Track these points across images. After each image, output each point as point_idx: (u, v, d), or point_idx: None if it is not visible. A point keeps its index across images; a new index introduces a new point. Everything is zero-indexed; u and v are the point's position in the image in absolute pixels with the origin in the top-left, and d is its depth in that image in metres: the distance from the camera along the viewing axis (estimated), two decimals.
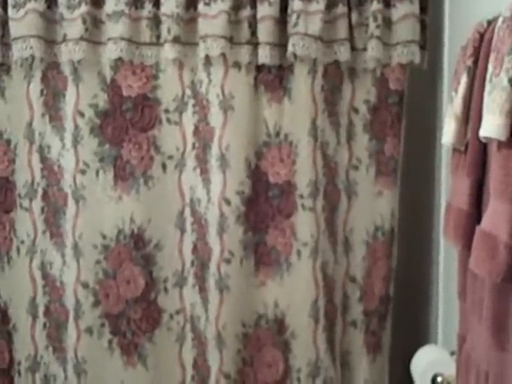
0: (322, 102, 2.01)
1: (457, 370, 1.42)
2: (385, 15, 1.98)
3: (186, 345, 2.06)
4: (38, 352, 2.10)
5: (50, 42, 1.99)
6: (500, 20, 1.11)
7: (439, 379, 1.60)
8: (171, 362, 2.06)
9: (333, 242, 2.07)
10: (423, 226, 2.18)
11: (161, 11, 1.97)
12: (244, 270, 2.01)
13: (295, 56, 1.96)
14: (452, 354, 1.62)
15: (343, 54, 1.99)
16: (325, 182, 2.04)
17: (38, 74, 2.03)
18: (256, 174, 2.00)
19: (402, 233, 2.12)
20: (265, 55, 1.95)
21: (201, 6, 1.95)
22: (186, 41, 1.97)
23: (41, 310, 2.09)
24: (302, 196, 2.00)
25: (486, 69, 1.15)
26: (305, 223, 2.01)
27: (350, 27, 2.00)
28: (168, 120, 2.03)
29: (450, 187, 1.47)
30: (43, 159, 2.06)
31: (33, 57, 1.99)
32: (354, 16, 1.99)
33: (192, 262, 2.04)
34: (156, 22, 1.98)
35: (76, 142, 2.00)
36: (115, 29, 1.96)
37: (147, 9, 1.98)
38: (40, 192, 2.07)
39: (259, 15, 1.95)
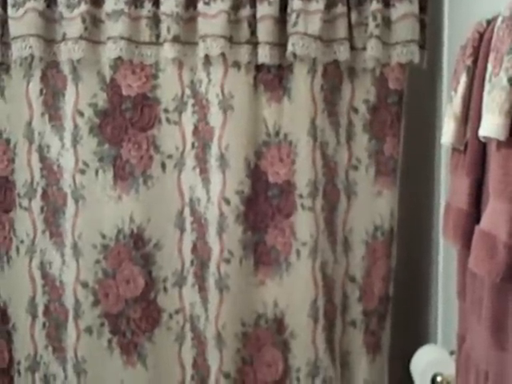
0: (322, 102, 2.01)
1: (456, 370, 1.42)
2: (384, 15, 1.98)
3: (185, 344, 2.06)
4: (38, 351, 2.10)
5: (49, 41, 1.99)
6: (499, 20, 1.11)
7: (439, 379, 1.60)
8: (171, 362, 2.06)
9: (332, 241, 2.07)
10: (423, 225, 2.18)
11: (160, 10, 1.97)
12: (243, 269, 2.01)
13: (295, 55, 1.96)
14: (451, 353, 1.62)
15: (343, 53, 1.99)
16: (324, 181, 2.04)
17: (37, 73, 2.03)
18: (255, 174, 2.00)
19: (402, 233, 2.12)
20: (264, 55, 1.95)
21: (200, 6, 1.95)
22: (186, 40, 1.97)
23: (40, 309, 2.09)
24: (301, 196, 2.00)
25: (485, 68, 1.15)
26: (304, 223, 2.01)
27: (350, 27, 2.00)
28: (167, 119, 2.03)
29: (449, 187, 1.47)
30: (43, 159, 2.06)
31: (32, 56, 1.99)
32: (354, 15, 1.99)
33: (191, 262, 2.04)
34: (156, 21, 1.98)
35: (75, 141, 2.00)
36: (115, 28, 1.96)
37: (147, 8, 1.98)
38: (39, 191, 2.07)
39: (259, 15, 1.95)
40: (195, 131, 2.02)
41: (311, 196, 2.00)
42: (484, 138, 1.12)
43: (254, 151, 2.00)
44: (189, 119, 2.02)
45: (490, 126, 1.08)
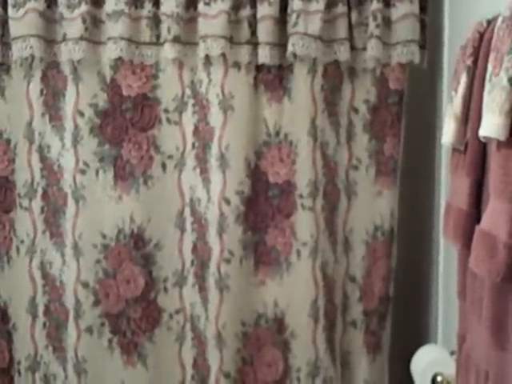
0: (322, 102, 2.01)
1: (457, 370, 1.42)
2: (384, 15, 1.98)
3: (185, 344, 2.06)
4: (38, 351, 2.10)
5: (49, 41, 1.99)
6: (500, 20, 1.11)
7: (439, 379, 1.60)
8: (171, 362, 2.07)
9: (332, 241, 2.07)
10: (423, 225, 2.18)
11: (161, 11, 1.97)
12: (244, 269, 2.01)
13: (295, 56, 1.96)
14: (452, 353, 1.62)
15: (343, 53, 1.99)
16: (324, 181, 2.04)
17: (37, 74, 2.03)
18: (256, 174, 2.00)
19: (402, 232, 2.12)
20: (265, 55, 1.95)
21: (201, 6, 1.95)
22: (186, 40, 1.97)
23: (40, 309, 2.09)
24: (301, 196, 2.00)
25: (485, 68, 1.15)
26: (304, 223, 2.01)
27: (350, 27, 2.00)
28: (168, 120, 2.03)
29: (449, 187, 1.47)
30: (43, 159, 2.06)
31: (32, 56, 1.99)
32: (354, 15, 1.99)
33: (192, 262, 2.04)
34: (156, 21, 1.98)
35: (76, 141, 2.01)
36: (115, 28, 1.96)
37: (147, 8, 1.98)
38: (40, 192, 2.07)
39: (259, 15, 1.95)
40: (195, 131, 2.02)
41: (311, 196, 2.00)
42: (484, 138, 1.12)
43: (255, 151, 2.00)
44: (189, 119, 2.03)
45: (490, 126, 1.08)
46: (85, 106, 2.00)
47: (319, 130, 2.01)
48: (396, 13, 1.99)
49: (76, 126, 2.00)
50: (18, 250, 2.10)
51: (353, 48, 2.01)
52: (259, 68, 1.99)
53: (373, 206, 2.08)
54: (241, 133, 1.99)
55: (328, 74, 2.02)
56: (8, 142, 2.09)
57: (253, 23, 1.96)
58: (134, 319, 2.05)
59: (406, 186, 2.13)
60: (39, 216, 2.08)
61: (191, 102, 2.02)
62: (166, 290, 2.06)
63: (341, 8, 1.97)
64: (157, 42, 1.99)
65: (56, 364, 2.09)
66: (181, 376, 2.07)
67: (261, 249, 2.03)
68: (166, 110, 2.03)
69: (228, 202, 1.98)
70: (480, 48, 1.27)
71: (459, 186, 1.34)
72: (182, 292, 2.06)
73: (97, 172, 2.01)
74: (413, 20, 1.99)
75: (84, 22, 1.95)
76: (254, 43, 1.96)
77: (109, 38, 1.97)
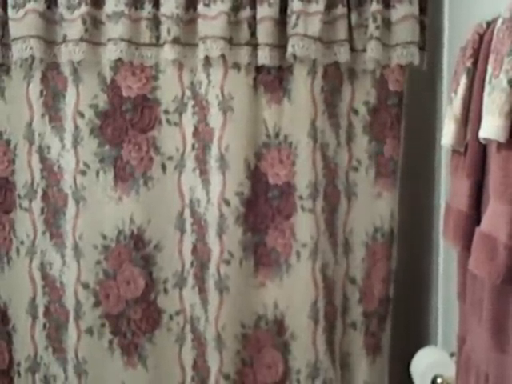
0: (322, 103, 2.01)
1: (457, 372, 1.42)
2: (384, 16, 1.98)
3: (185, 345, 2.06)
4: (38, 352, 2.10)
5: (49, 42, 1.99)
6: (499, 21, 1.11)
7: (439, 380, 1.60)
8: (171, 363, 2.06)
9: (332, 243, 2.06)
10: (423, 227, 2.18)
11: (160, 12, 1.97)
12: (243, 270, 2.01)
13: (295, 57, 1.96)
14: (452, 355, 1.62)
15: (343, 54, 1.99)
16: (324, 183, 2.04)
17: (37, 75, 2.03)
18: (255, 175, 2.00)
19: (402, 234, 2.12)
20: (264, 56, 1.95)
21: (200, 7, 1.95)
22: (186, 42, 1.97)
23: (40, 310, 2.09)
24: (301, 197, 2.00)
25: (485, 70, 1.15)
26: (304, 224, 2.01)
27: (350, 28, 2.00)
28: (168, 121, 2.03)
29: (449, 188, 1.47)
30: (43, 160, 2.06)
31: (32, 57, 1.99)
32: (354, 17, 1.99)
33: (192, 263, 2.04)
34: (156, 22, 1.98)
35: (76, 142, 2.01)
36: (115, 29, 1.96)
37: (147, 9, 1.98)
38: (40, 192, 2.07)
39: (259, 16, 1.95)
40: (195, 132, 2.02)
41: (311, 197, 2.00)
42: (484, 139, 1.13)
43: (254, 152, 2.00)
44: (189, 120, 2.03)
45: (490, 128, 1.08)
46: (85, 106, 2.00)
47: (319, 131, 2.01)
48: (396, 14, 1.99)
49: (76, 127, 2.00)
50: (17, 250, 2.10)
51: (352, 49, 2.01)
52: (259, 69, 1.99)
53: (373, 208, 2.08)
54: (240, 134, 1.99)
55: (328, 75, 2.02)
56: (8, 142, 2.09)
57: (252, 24, 1.96)
58: (134, 320, 2.05)
59: (405, 187, 2.13)
60: (39, 217, 2.08)
61: (191, 103, 2.02)
62: (165, 291, 2.06)
63: (340, 9, 1.97)
64: (156, 43, 1.99)
65: (56, 365, 2.09)
66: (181, 377, 2.07)
67: (260, 250, 2.02)
68: (166, 111, 2.03)
69: (228, 203, 1.98)
70: (480, 50, 1.27)
71: (459, 188, 1.34)
72: (181, 293, 2.06)
73: (97, 173, 2.01)
74: (412, 21, 1.99)
75: (84, 23, 1.95)
76: (253, 44, 1.96)
77: (109, 39, 1.97)
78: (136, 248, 2.03)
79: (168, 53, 1.96)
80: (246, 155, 1.99)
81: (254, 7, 1.95)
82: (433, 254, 2.12)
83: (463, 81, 1.32)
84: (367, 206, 2.07)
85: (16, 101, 2.06)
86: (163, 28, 1.97)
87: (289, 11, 1.96)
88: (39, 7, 1.96)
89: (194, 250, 2.04)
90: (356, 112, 2.06)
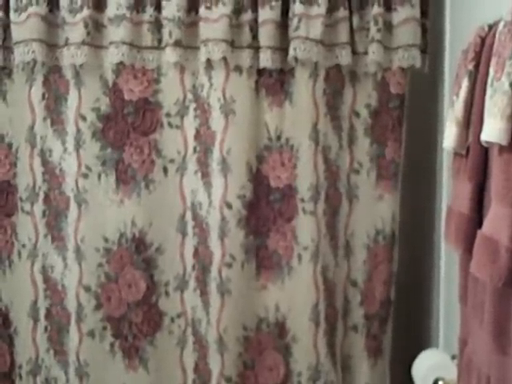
0: (324, 106, 2.01)
1: (458, 374, 1.42)
2: (386, 19, 1.98)
3: (187, 348, 2.06)
4: (39, 355, 2.10)
5: (51, 45, 1.99)
6: (501, 24, 1.11)
7: (440, 383, 1.60)
8: (172, 366, 2.06)
9: (334, 245, 2.07)
10: (424, 229, 2.18)
11: (162, 15, 1.97)
12: (245, 273, 2.01)
13: (296, 60, 1.96)
14: (453, 357, 1.62)
15: (344, 57, 1.99)
16: (326, 185, 2.04)
17: (39, 78, 2.03)
18: (257, 178, 2.00)
19: (403, 237, 2.12)
20: (266, 59, 1.95)
21: (202, 10, 1.96)
22: (188, 45, 1.97)
23: (42, 313, 2.09)
24: (303, 200, 2.00)
25: (487, 73, 1.16)
26: (306, 227, 2.01)
27: (351, 31, 2.00)
28: (169, 124, 2.03)
29: (451, 191, 1.47)
30: (45, 163, 2.06)
31: (35, 60, 1.99)
32: (355, 20, 2.00)
33: (193, 266, 2.04)
34: (157, 25, 1.99)
35: (78, 145, 2.01)
36: (117, 33, 1.96)
37: (148, 13, 1.98)
38: (41, 196, 2.07)
39: (260, 19, 1.95)
40: (197, 135, 2.02)
41: (313, 200, 2.00)
42: (486, 142, 1.13)
43: (256, 155, 2.00)
44: (191, 123, 2.03)
45: (491, 131, 1.08)
46: (87, 110, 2.00)
47: (321, 134, 2.01)
48: (397, 17, 1.99)
49: (78, 130, 2.00)
50: (19, 254, 2.10)
51: (354, 52, 2.01)
52: (260, 72, 1.99)
53: (374, 210, 2.08)
54: (242, 137, 1.99)
55: (329, 78, 2.02)
56: (10, 145, 2.09)
57: (254, 27, 1.96)
58: (135, 323, 2.05)
59: (407, 190, 2.13)
60: (41, 220, 2.08)
61: (193, 106, 2.02)
62: (167, 293, 2.06)
63: (342, 12, 1.97)
64: (158, 46, 1.99)
65: (57, 368, 2.09)
66: (182, 380, 2.07)
67: (262, 253, 2.02)
68: (168, 114, 2.03)
69: (229, 206, 1.98)
70: (481, 52, 1.27)
71: (461, 191, 1.35)
72: (183, 296, 2.06)
73: (99, 176, 2.02)
74: (414, 24, 1.99)
75: (86, 26, 1.95)
76: (255, 47, 1.97)
77: (110, 43, 1.97)
78: (137, 251, 2.03)
79: (170, 56, 1.96)
80: (247, 158, 1.99)
81: (255, 10, 1.95)
82: (434, 257, 2.12)
83: (465, 83, 1.32)
84: (368, 208, 2.07)
85: (18, 104, 2.06)
86: (165, 31, 1.97)
87: (290, 14, 1.96)
88: (41, 11, 1.96)
89: (196, 252, 2.04)
90: (357, 114, 2.06)
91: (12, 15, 1.99)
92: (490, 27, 1.28)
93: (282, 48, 1.97)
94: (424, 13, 2.02)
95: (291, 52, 1.95)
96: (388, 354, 2.13)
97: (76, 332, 2.03)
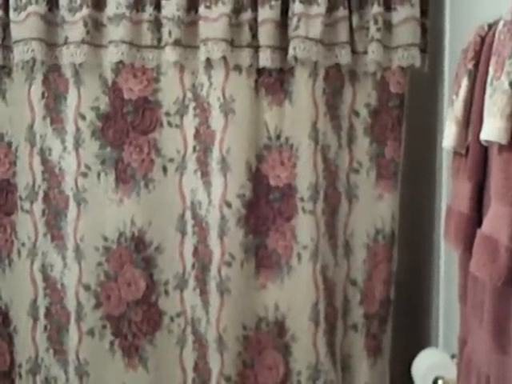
0: (323, 105, 2.01)
1: (458, 374, 1.42)
2: (385, 18, 1.98)
3: (186, 347, 2.06)
4: (39, 354, 2.10)
5: (51, 44, 1.99)
6: (501, 23, 1.12)
7: (440, 382, 1.60)
8: (172, 365, 2.06)
9: (333, 245, 2.07)
10: (424, 229, 2.18)
11: (162, 14, 1.97)
12: (245, 272, 2.01)
13: (296, 59, 1.96)
14: (453, 357, 1.62)
15: (344, 57, 1.99)
16: (325, 185, 2.04)
17: (39, 77, 2.03)
18: (257, 177, 2.00)
19: (403, 236, 2.12)
20: (266, 58, 1.95)
21: (202, 9, 1.96)
22: (187, 44, 1.97)
23: (41, 312, 2.09)
24: (302, 199, 2.00)
25: (486, 72, 1.16)
26: (305, 226, 2.01)
27: (351, 30, 2.00)
28: (169, 123, 2.03)
29: (450, 191, 1.47)
30: (44, 162, 2.06)
31: (34, 59, 1.99)
32: (355, 19, 2.00)
33: (193, 265, 2.04)
34: (157, 24, 1.99)
35: (77, 144, 2.01)
36: (116, 32, 1.96)
37: (148, 12, 1.98)
38: (41, 194, 2.07)
39: (260, 18, 1.95)
40: (196, 135, 2.02)
41: (312, 199, 2.00)
42: (485, 141, 1.13)
43: (256, 155, 2.00)
44: (190, 122, 2.03)
45: (491, 130, 1.08)
46: (86, 109, 2.00)
47: (320, 133, 2.01)
48: (397, 16, 1.99)
49: (78, 129, 2.00)
50: (19, 252, 2.10)
51: (354, 51, 2.01)
52: (260, 71, 1.99)
53: (374, 210, 2.08)
54: (242, 136, 1.99)
55: (329, 77, 2.02)
56: (9, 144, 2.09)
57: (254, 26, 1.96)
58: (135, 322, 2.05)
59: (406, 189, 2.13)
60: (40, 219, 2.08)
61: (192, 105, 2.02)
62: (166, 293, 2.06)
63: (342, 12, 1.97)
64: (158, 45, 1.99)
65: (57, 367, 2.09)
66: (182, 379, 2.07)
67: (262, 252, 2.03)
68: (167, 114, 2.03)
69: (229, 205, 1.98)
70: (481, 52, 1.28)
71: (460, 190, 1.35)
72: (182, 295, 2.06)
73: (98, 175, 2.02)
74: (414, 24, 1.99)
75: (85, 25, 1.95)
76: (254, 46, 1.97)
77: (110, 42, 1.97)
78: (137, 250, 2.03)
79: (169, 55, 1.96)
80: (247, 157, 1.99)
81: (255, 9, 1.95)
82: (434, 256, 2.12)
83: (464, 83, 1.32)
84: (368, 207, 2.08)
85: (17, 103, 2.06)
86: (164, 30, 1.97)
87: (290, 13, 1.96)
88: (41, 10, 1.96)
89: (195, 252, 2.04)
90: (357, 114, 2.06)
91: (11, 14, 1.99)
92: (490, 26, 1.28)
93: (282, 47, 1.97)
94: (424, 12, 2.02)
95: (291, 51, 1.95)
96: (388, 354, 2.13)
97: (76, 331, 2.03)
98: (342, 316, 2.09)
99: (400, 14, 1.99)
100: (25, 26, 1.97)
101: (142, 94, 2.01)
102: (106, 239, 2.02)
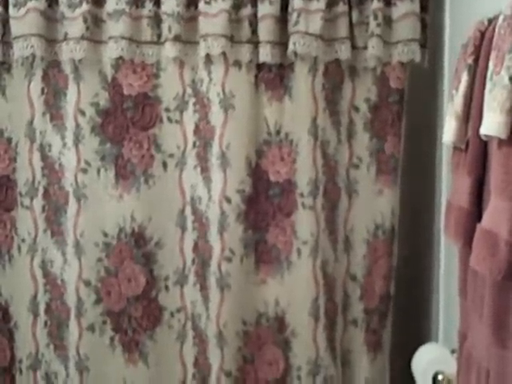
0: (323, 101, 2.01)
1: (458, 368, 1.42)
2: (385, 13, 1.98)
3: (186, 343, 2.07)
4: (39, 350, 2.11)
5: (50, 40, 1.99)
6: (501, 18, 1.11)
7: (440, 377, 1.61)
8: (172, 360, 2.07)
9: (333, 240, 2.07)
10: (424, 224, 2.18)
11: (161, 10, 1.97)
12: (244, 268, 2.01)
13: (296, 54, 1.96)
14: (453, 351, 1.62)
15: (344, 52, 1.99)
16: (325, 180, 2.04)
17: (38, 73, 2.03)
18: (256, 173, 2.00)
19: (403, 231, 2.12)
20: (265, 54, 1.95)
21: (201, 5, 1.96)
22: (187, 39, 1.97)
23: (42, 307, 2.09)
24: (302, 194, 2.00)
25: (486, 67, 1.16)
26: (305, 222, 2.01)
27: (351, 26, 2.00)
28: (169, 119, 2.03)
29: (450, 185, 1.47)
30: (44, 158, 2.06)
31: (34, 55, 1.99)
32: (355, 14, 2.00)
33: (193, 261, 2.04)
34: (157, 20, 1.99)
35: (77, 140, 2.01)
36: (116, 27, 1.96)
37: (148, 7, 1.98)
38: (41, 190, 2.07)
39: (260, 14, 1.95)
40: (196, 130, 2.02)
41: (312, 195, 2.00)
42: (485, 136, 1.13)
43: (255, 150, 2.00)
44: (190, 118, 2.03)
45: (491, 125, 1.08)
46: (86, 104, 2.00)
47: (320, 128, 2.01)
48: (397, 12, 1.99)
49: (77, 125, 2.00)
50: (19, 248, 2.11)
51: (354, 47, 2.01)
52: (260, 67, 1.99)
53: (373, 205, 2.08)
54: (241, 131, 1.99)
55: (329, 72, 2.02)
56: (9, 140, 2.09)
57: (253, 22, 1.96)
58: (135, 317, 2.05)
59: (406, 184, 2.13)
60: (40, 215, 2.08)
61: (192, 100, 2.02)
62: (167, 288, 2.06)
63: (341, 7, 1.97)
64: (158, 41, 1.99)
65: (57, 362, 2.09)
66: (182, 374, 2.07)
67: (261, 247, 2.03)
68: (167, 109, 2.03)
69: (229, 200, 1.98)
70: (481, 47, 1.27)
71: (460, 185, 1.35)
72: (182, 290, 2.06)
73: (98, 171, 2.02)
74: (413, 19, 1.99)
75: (85, 21, 1.95)
76: (254, 42, 1.97)
77: (110, 38, 1.97)
78: (137, 245, 2.04)
79: (169, 51, 1.96)
80: (247, 153, 1.99)
81: (255, 5, 1.95)
82: (434, 251, 2.12)
83: (464, 78, 1.32)
84: (368, 203, 2.08)
85: (17, 99, 2.06)
86: (164, 26, 1.97)
87: (290, 9, 1.96)
88: (40, 5, 1.96)
89: (195, 247, 2.04)
90: (357, 109, 2.06)
91: (11, 10, 1.99)
92: (490, 21, 1.28)
93: (282, 43, 1.97)
94: (424, 7, 2.02)
95: (291, 47, 1.95)
96: (388, 349, 2.13)
97: (76, 326, 2.03)
98: (342, 311, 2.10)
99: (400, 9, 1.99)
100: (24, 21, 1.97)
101: (142, 90, 2.01)
102: (106, 235, 2.02)
